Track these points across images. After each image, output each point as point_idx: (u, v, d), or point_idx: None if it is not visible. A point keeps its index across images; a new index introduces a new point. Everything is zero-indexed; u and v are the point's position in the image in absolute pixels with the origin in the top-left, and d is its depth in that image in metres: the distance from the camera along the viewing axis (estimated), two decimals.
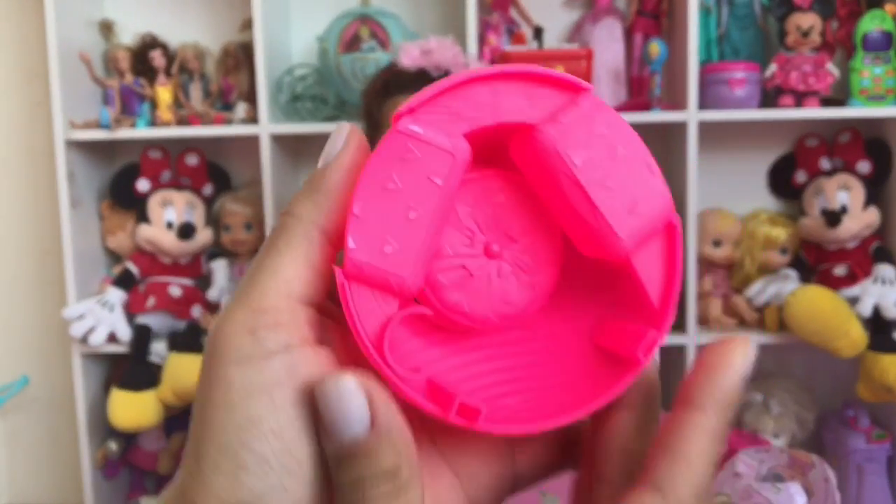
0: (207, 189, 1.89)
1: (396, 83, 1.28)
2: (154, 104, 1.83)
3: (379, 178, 0.24)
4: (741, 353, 0.25)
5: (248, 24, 1.83)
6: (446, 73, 1.29)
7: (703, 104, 1.73)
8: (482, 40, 1.80)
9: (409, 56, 1.27)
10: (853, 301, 1.68)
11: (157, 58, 1.83)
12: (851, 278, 1.75)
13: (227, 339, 0.23)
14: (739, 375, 0.24)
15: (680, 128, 1.74)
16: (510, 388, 0.28)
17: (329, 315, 0.28)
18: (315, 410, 0.23)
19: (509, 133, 0.27)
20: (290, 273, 0.24)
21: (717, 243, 1.85)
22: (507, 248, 0.27)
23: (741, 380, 0.24)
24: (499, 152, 0.28)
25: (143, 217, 1.83)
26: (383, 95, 1.29)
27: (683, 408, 0.24)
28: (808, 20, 1.73)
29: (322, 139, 1.76)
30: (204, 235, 1.84)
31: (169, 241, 1.80)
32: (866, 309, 1.66)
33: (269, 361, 0.23)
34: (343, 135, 0.26)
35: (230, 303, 0.24)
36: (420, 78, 1.27)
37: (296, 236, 0.25)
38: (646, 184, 0.26)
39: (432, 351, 0.28)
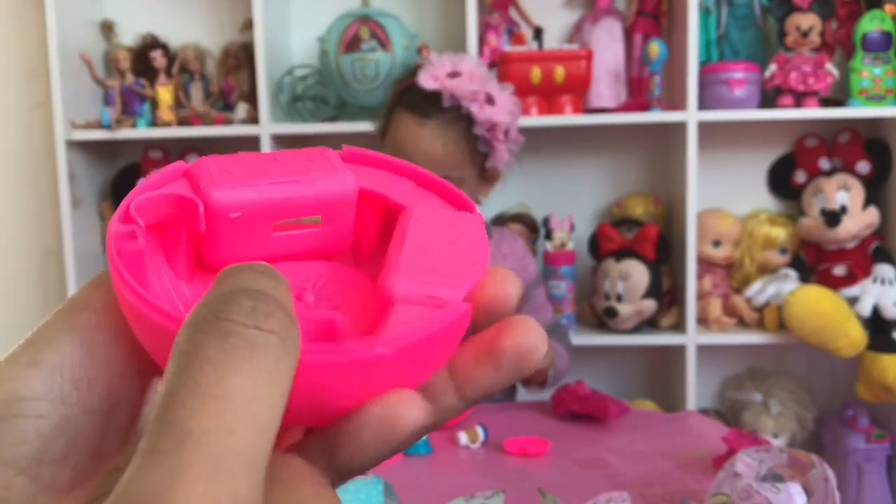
0: None
1: (405, 99, 1.24)
2: (155, 104, 1.84)
3: (274, 155, 0.26)
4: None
5: (248, 25, 1.83)
6: (459, 105, 1.22)
7: (703, 104, 1.74)
8: (482, 41, 1.80)
9: (433, 76, 1.22)
10: (852, 301, 1.68)
11: (157, 58, 1.84)
12: (851, 278, 1.76)
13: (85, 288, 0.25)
14: None
15: (680, 128, 1.74)
16: None
17: None
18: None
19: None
20: None
21: (716, 243, 1.85)
22: (324, 307, 0.26)
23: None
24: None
25: None
26: (392, 107, 1.26)
27: None
28: (807, 20, 1.73)
29: (323, 139, 1.76)
30: None
31: None
32: (866, 309, 1.66)
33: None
34: None
35: None
36: (429, 100, 1.21)
37: None
38: (465, 273, 0.24)
39: None
